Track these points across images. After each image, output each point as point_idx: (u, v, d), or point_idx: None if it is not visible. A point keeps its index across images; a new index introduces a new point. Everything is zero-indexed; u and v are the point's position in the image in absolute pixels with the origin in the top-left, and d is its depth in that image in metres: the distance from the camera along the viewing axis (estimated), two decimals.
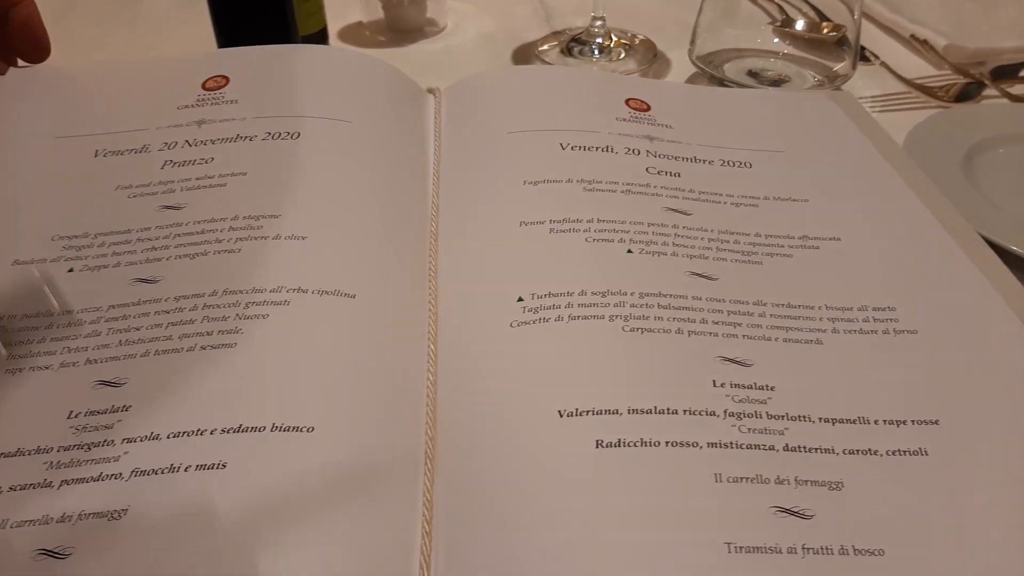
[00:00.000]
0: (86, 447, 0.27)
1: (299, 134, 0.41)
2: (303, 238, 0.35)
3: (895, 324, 0.33)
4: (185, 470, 0.26)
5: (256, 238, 0.35)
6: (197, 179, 0.38)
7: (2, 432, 0.28)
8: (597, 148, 0.42)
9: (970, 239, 0.38)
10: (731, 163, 0.43)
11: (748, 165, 0.43)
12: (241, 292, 0.32)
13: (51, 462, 0.27)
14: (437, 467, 0.28)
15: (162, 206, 0.37)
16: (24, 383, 0.29)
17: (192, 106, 0.43)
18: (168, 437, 0.27)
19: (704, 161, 0.43)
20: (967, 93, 0.57)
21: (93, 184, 0.38)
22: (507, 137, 0.43)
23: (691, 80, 0.60)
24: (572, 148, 0.42)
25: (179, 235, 0.35)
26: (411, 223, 0.38)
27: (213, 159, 0.39)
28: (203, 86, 0.44)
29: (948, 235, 0.38)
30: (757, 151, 0.44)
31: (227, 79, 0.44)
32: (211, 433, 0.27)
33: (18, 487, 0.26)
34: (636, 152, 0.42)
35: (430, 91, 0.49)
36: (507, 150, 0.42)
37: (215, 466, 0.27)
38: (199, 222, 0.36)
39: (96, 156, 0.40)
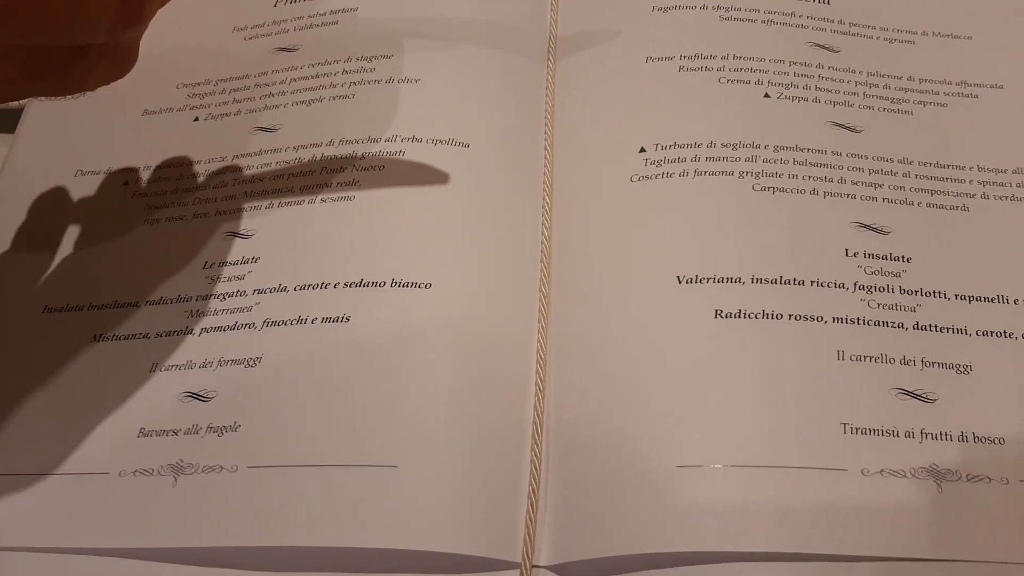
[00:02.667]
0: (222, 297, 0.29)
1: None
2: (416, 81, 0.34)
3: None
4: (312, 322, 0.28)
5: (369, 82, 0.34)
6: (309, 17, 0.37)
7: (146, 281, 0.30)
8: None
9: None
10: None
11: None
12: (357, 142, 0.32)
13: (191, 311, 0.29)
14: (550, 327, 0.28)
15: (277, 48, 0.36)
16: (161, 234, 0.31)
17: None
18: (295, 289, 0.29)
19: None
20: None
21: (208, 25, 0.37)
22: None
23: None
24: None
25: (295, 79, 0.35)
26: (527, 57, 0.36)
27: None
28: None
29: None
30: None
31: None
32: (335, 287, 0.29)
33: (164, 333, 0.28)
34: None
35: None
36: None
37: (340, 319, 0.28)
38: (313, 64, 0.35)
39: None
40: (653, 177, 0.31)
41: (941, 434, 0.25)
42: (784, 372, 0.26)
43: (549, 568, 0.24)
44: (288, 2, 0.38)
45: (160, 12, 0.23)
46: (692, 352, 0.26)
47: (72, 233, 0.32)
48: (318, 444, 0.26)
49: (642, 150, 0.31)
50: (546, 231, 0.31)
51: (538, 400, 0.27)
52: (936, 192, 0.30)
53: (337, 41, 0.36)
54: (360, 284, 0.28)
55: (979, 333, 0.27)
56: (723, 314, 0.27)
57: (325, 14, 0.37)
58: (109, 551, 0.25)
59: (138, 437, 0.26)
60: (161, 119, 0.35)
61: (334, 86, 0.34)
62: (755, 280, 0.27)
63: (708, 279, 0.28)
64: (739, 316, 0.27)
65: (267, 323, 0.28)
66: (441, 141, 0.32)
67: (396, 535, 0.24)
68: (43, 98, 0.35)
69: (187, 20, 0.38)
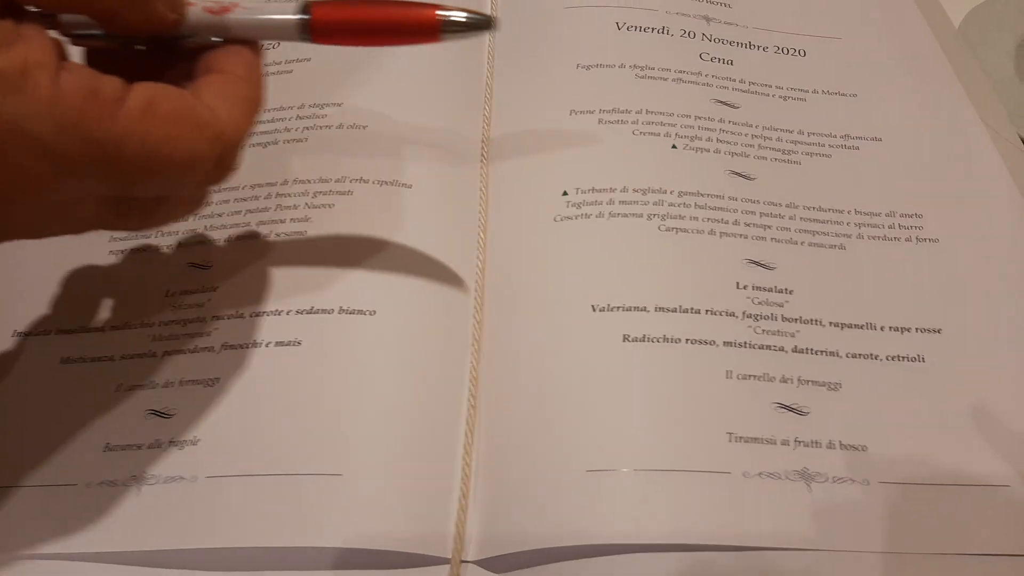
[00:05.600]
0: (182, 323, 0.32)
1: None
2: (363, 127, 0.37)
3: (918, 232, 0.35)
4: (266, 345, 0.31)
5: (321, 127, 0.37)
6: (266, 65, 0.40)
7: (112, 308, 0.32)
8: (653, 29, 0.42)
9: (1012, 146, 0.39)
10: (786, 50, 0.43)
11: (802, 53, 0.43)
12: (308, 181, 0.35)
13: (154, 335, 0.32)
14: (482, 350, 0.32)
15: None
16: (127, 264, 0.34)
17: None
18: (250, 316, 0.32)
19: (759, 47, 0.43)
20: None
21: None
22: (563, 13, 0.43)
23: None
24: (628, 28, 0.42)
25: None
26: (464, 108, 0.40)
27: (279, 44, 0.41)
28: None
29: (989, 140, 0.39)
30: (813, 37, 0.44)
31: None
32: (287, 314, 0.32)
33: (129, 356, 0.31)
34: (691, 35, 0.43)
35: None
36: (563, 28, 0.43)
37: (291, 343, 0.31)
38: (270, 110, 0.38)
39: None
40: (574, 217, 0.35)
41: (813, 442, 0.29)
42: (680, 389, 0.30)
43: (476, 563, 0.28)
44: None
45: None
46: (603, 372, 0.30)
47: (40, 263, 0.34)
48: (270, 455, 0.29)
49: (565, 193, 0.35)
50: (480, 264, 0.34)
51: (470, 414, 0.30)
52: (818, 233, 0.35)
53: (292, 89, 0.39)
54: (310, 311, 0.32)
55: (849, 355, 0.31)
56: (630, 338, 0.31)
57: (282, 63, 0.40)
58: (75, 555, 0.27)
59: (104, 451, 0.29)
60: None
61: (288, 130, 0.37)
62: (658, 309, 0.32)
63: (618, 308, 0.32)
64: (644, 340, 0.31)
65: (224, 347, 0.31)
66: (386, 182, 0.36)
67: (340, 535, 0.27)
68: None
69: None
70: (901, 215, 0.36)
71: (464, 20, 0.26)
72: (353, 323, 0.31)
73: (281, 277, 0.33)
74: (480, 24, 0.26)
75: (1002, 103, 0.41)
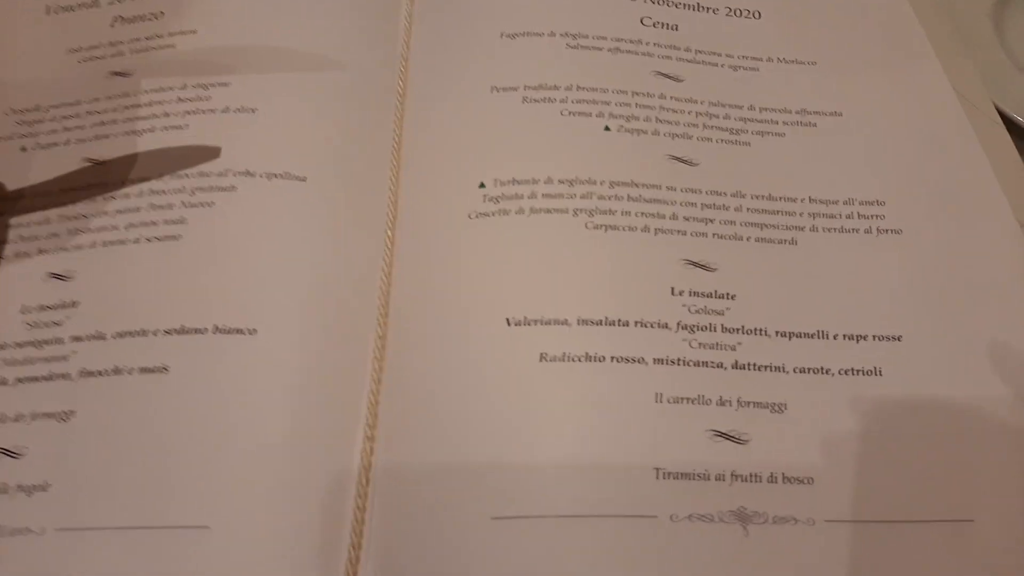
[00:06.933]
0: (37, 344, 0.28)
1: None
2: (253, 110, 0.33)
3: (880, 222, 0.31)
4: (129, 372, 0.27)
5: (204, 111, 0.33)
6: (146, 39, 0.35)
7: None
8: None
9: (988, 119, 0.35)
10: (738, 12, 0.39)
11: (757, 15, 0.38)
12: (186, 176, 0.31)
13: (5, 359, 0.28)
14: (384, 373, 0.28)
15: (111, 72, 0.35)
16: None
17: None
18: (113, 337, 0.28)
19: (709, 9, 0.38)
20: None
21: (43, 47, 0.36)
22: None
23: None
24: None
25: (127, 107, 0.33)
26: (375, 83, 0.35)
27: (163, 13, 0.36)
28: None
29: (963, 113, 0.35)
30: None
31: None
32: (154, 334, 0.27)
33: None
34: None
35: None
36: None
37: (157, 369, 0.27)
38: (147, 91, 0.34)
39: (48, 13, 0.37)
40: (490, 214, 0.30)
41: (752, 476, 0.25)
42: (603, 418, 0.26)
43: None
44: (126, 23, 0.36)
45: None
46: (516, 400, 0.26)
47: None
48: (129, 505, 0.25)
49: (481, 185, 0.31)
50: (385, 271, 0.30)
51: (366, 450, 0.27)
52: (766, 226, 0.31)
53: (173, 66, 0.34)
54: (180, 331, 0.27)
55: (796, 370, 0.27)
56: (548, 357, 0.27)
57: (163, 36, 0.35)
58: None
59: None
60: None
61: (167, 115, 0.33)
62: (581, 322, 0.28)
63: (536, 321, 0.28)
64: (563, 359, 0.27)
65: (83, 373, 0.27)
66: (276, 175, 0.31)
67: None
68: None
69: (22, 40, 0.36)
70: (861, 203, 0.32)
71: None
72: (230, 345, 0.27)
73: (150, 290, 0.28)
74: None
75: (978, 69, 0.37)
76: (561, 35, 0.36)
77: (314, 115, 0.33)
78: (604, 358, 0.27)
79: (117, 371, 0.27)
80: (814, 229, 0.31)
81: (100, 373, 0.27)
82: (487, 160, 0.32)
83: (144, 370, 0.27)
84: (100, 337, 0.28)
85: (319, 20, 0.36)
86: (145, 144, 0.32)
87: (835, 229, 0.31)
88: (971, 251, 0.31)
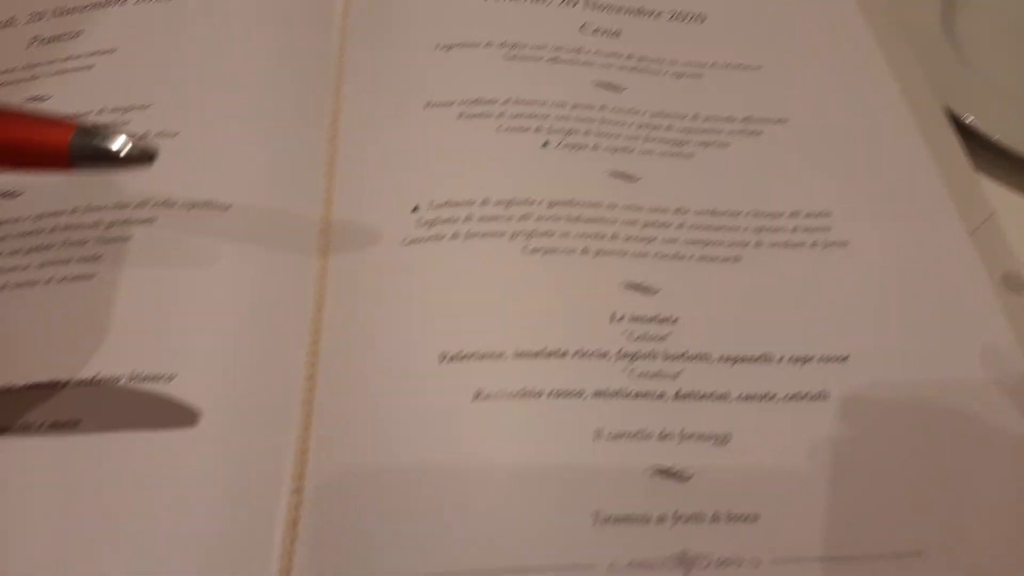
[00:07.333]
0: None
1: None
2: (175, 135, 0.31)
3: (826, 234, 0.30)
4: (38, 427, 0.25)
5: None
6: (63, 60, 0.33)
7: None
8: None
9: (935, 124, 0.34)
10: (682, 16, 0.37)
11: (701, 19, 0.37)
12: (104, 208, 0.29)
13: None
14: (314, 422, 0.26)
15: (27, 97, 0.33)
16: None
17: None
18: (23, 388, 0.26)
19: (651, 13, 0.37)
20: None
21: None
22: None
23: None
24: None
25: None
26: (306, 101, 0.33)
27: (81, 32, 0.34)
28: None
29: (910, 116, 0.34)
30: None
31: None
32: (64, 385, 0.26)
33: None
34: (572, 3, 0.37)
35: None
36: None
37: (68, 424, 0.25)
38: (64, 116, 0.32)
39: None
40: (424, 240, 0.29)
41: (694, 515, 0.24)
42: (539, 460, 0.25)
43: None
44: (44, 44, 0.34)
45: None
46: (449, 445, 0.25)
47: None
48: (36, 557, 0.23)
49: (415, 208, 0.30)
50: (316, 304, 0.29)
51: (292, 504, 0.25)
52: (709, 243, 0.30)
53: (90, 88, 0.33)
54: (93, 381, 0.26)
55: (741, 397, 0.27)
56: (483, 395, 0.26)
57: (81, 57, 0.34)
58: None
59: None
60: None
61: None
62: (518, 355, 0.26)
63: (471, 355, 0.26)
64: (499, 397, 0.26)
65: None
66: (198, 204, 0.30)
67: None
68: None
69: None
70: (806, 215, 0.31)
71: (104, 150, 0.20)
72: (146, 394, 0.26)
73: (60, 336, 0.27)
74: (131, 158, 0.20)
75: (926, 70, 0.36)
76: (498, 45, 0.34)
77: (240, 137, 0.32)
78: (542, 393, 0.26)
79: (24, 428, 0.25)
80: (759, 244, 0.30)
81: (4, 429, 0.25)
82: (421, 182, 0.31)
83: (54, 425, 0.25)
84: (6, 392, 0.26)
85: (246, 36, 0.34)
86: (58, 176, 0.30)
87: (780, 244, 0.30)
88: (918, 263, 0.30)
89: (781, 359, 0.27)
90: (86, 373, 0.26)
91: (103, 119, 0.32)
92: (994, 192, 0.34)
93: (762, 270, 0.29)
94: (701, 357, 0.27)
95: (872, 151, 0.33)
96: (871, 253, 0.30)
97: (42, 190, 0.30)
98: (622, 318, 0.28)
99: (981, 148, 0.34)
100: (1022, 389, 0.27)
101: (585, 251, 0.29)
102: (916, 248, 0.30)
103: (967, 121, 0.35)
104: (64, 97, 0.32)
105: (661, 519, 0.24)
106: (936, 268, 0.30)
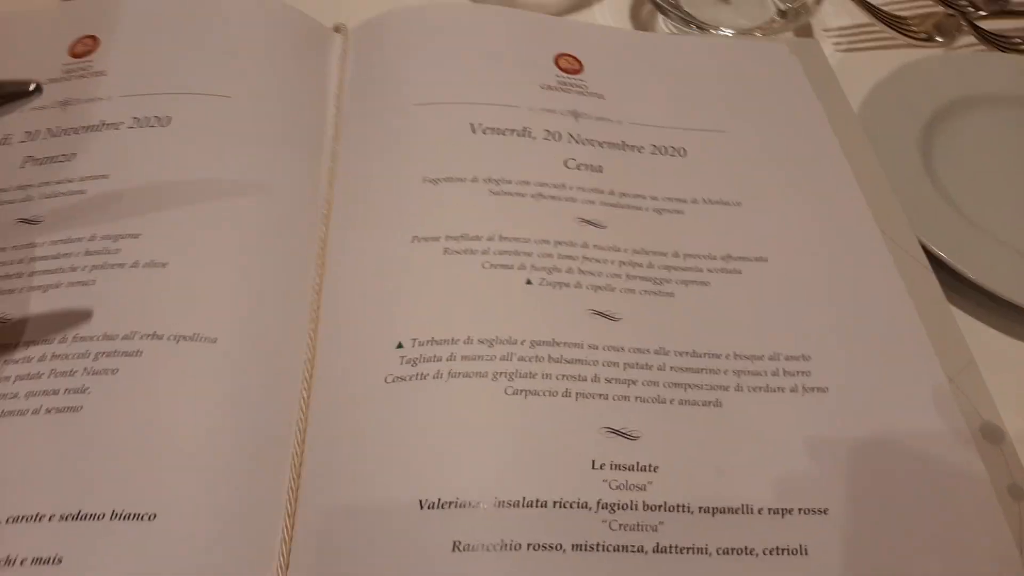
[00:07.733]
0: None
1: (170, 119, 0.36)
2: (163, 265, 0.32)
3: (805, 379, 0.31)
4: (20, 563, 0.25)
5: (112, 265, 0.31)
6: (56, 183, 0.34)
7: None
8: (513, 131, 0.38)
9: (916, 266, 0.35)
10: (663, 149, 0.39)
11: (682, 152, 0.39)
12: (91, 339, 0.30)
13: None
14: (293, 560, 0.26)
15: (18, 219, 0.33)
16: None
17: (59, 79, 0.38)
18: (6, 522, 0.26)
19: (633, 148, 0.38)
20: (944, 27, 0.50)
21: None
22: (414, 111, 0.38)
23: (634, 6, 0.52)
24: (485, 131, 0.37)
25: (33, 259, 0.32)
26: (295, 233, 0.34)
27: (75, 155, 0.35)
28: (71, 52, 0.39)
29: (888, 254, 0.35)
30: (695, 131, 0.40)
31: (96, 40, 0.39)
32: (48, 520, 0.26)
33: None
34: (557, 137, 0.38)
35: (336, 29, 0.43)
36: (412, 130, 0.37)
37: (51, 560, 0.25)
38: (54, 242, 0.32)
39: None
40: (407, 378, 0.29)
41: None
42: None
43: None
44: (37, 164, 0.35)
45: None
46: None
47: None
48: None
49: (399, 345, 0.30)
50: (298, 441, 0.29)
51: None
52: (690, 386, 0.30)
53: (82, 215, 0.33)
54: (76, 517, 0.26)
55: (720, 551, 0.27)
56: (461, 547, 0.26)
57: (73, 180, 0.34)
58: None
59: None
60: None
61: (73, 269, 0.31)
62: (498, 504, 0.27)
63: (449, 504, 0.26)
64: (477, 549, 0.26)
65: None
66: (185, 337, 0.30)
67: None
68: None
69: None
70: (786, 357, 0.32)
71: None
72: (129, 532, 0.26)
73: (44, 469, 0.27)
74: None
75: (903, 204, 0.37)
76: (484, 180, 0.35)
77: (228, 270, 0.32)
78: (521, 546, 0.26)
79: (8, 562, 0.25)
80: (739, 388, 0.31)
81: None
82: (406, 318, 0.31)
83: (36, 561, 0.25)
84: None
85: (237, 166, 0.35)
86: (49, 303, 0.31)
87: (760, 388, 0.31)
88: (898, 411, 0.30)
89: (761, 511, 0.28)
90: (69, 508, 0.26)
91: (94, 247, 0.32)
92: (966, 324, 0.35)
93: (743, 415, 0.30)
94: (681, 508, 0.27)
95: (852, 292, 0.34)
96: (850, 402, 0.31)
97: (32, 317, 0.30)
98: (603, 466, 0.28)
99: (953, 279, 0.35)
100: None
101: (567, 393, 0.29)
102: (895, 396, 0.31)
103: (944, 258, 0.35)
104: (57, 221, 0.33)
105: None
106: (915, 418, 0.30)
